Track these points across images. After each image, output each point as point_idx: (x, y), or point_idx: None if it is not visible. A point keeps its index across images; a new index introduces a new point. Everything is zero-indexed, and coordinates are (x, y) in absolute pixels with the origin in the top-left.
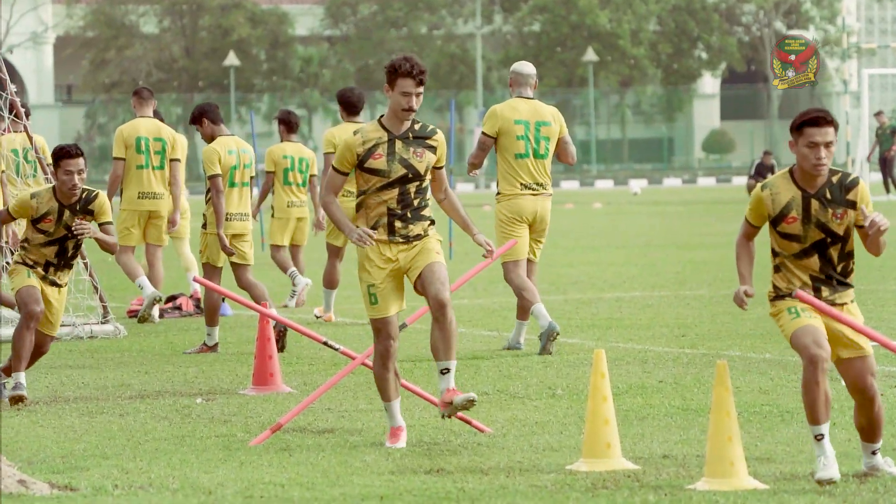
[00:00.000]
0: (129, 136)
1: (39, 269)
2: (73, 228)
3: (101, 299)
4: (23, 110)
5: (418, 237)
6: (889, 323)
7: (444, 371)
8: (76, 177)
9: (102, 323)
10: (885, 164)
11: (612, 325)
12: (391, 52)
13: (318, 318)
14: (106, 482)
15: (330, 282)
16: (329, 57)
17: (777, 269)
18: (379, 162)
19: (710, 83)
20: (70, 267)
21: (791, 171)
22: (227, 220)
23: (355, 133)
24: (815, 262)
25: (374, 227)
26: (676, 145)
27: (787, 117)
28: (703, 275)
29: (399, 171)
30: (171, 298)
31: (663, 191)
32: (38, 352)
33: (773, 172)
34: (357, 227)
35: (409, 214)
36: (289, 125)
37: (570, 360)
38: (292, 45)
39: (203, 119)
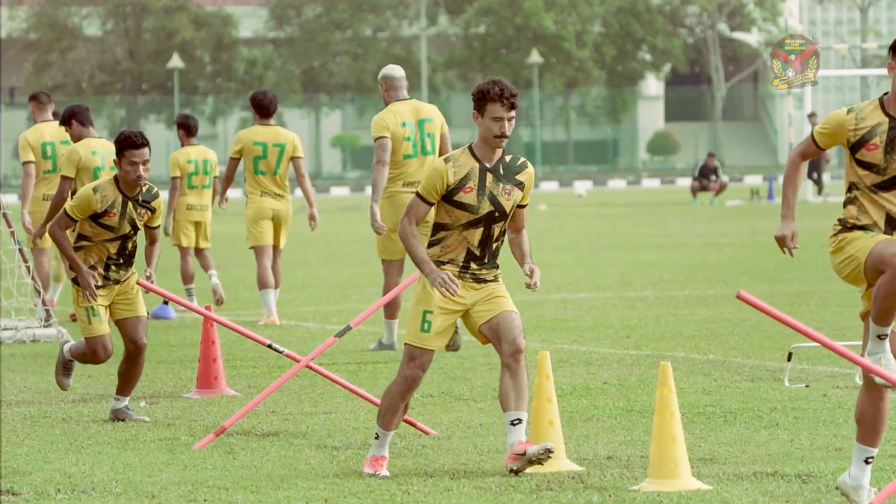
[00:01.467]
0: (35, 141)
1: (100, 270)
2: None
3: (44, 302)
4: None
5: (487, 282)
6: (833, 323)
7: (516, 422)
8: (141, 168)
9: (45, 327)
10: (813, 166)
11: (558, 327)
12: (335, 53)
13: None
14: (48, 486)
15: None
16: (274, 59)
17: (851, 202)
18: (469, 196)
19: (654, 85)
20: (131, 264)
21: (882, 99)
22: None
23: (447, 160)
24: (893, 197)
25: (447, 263)
26: (621, 147)
27: (731, 119)
28: (648, 276)
29: (487, 207)
30: None
31: (608, 192)
32: (135, 363)
33: (716, 174)
34: (441, 270)
35: (486, 259)
36: (188, 129)
37: None
38: (236, 47)
39: (72, 121)
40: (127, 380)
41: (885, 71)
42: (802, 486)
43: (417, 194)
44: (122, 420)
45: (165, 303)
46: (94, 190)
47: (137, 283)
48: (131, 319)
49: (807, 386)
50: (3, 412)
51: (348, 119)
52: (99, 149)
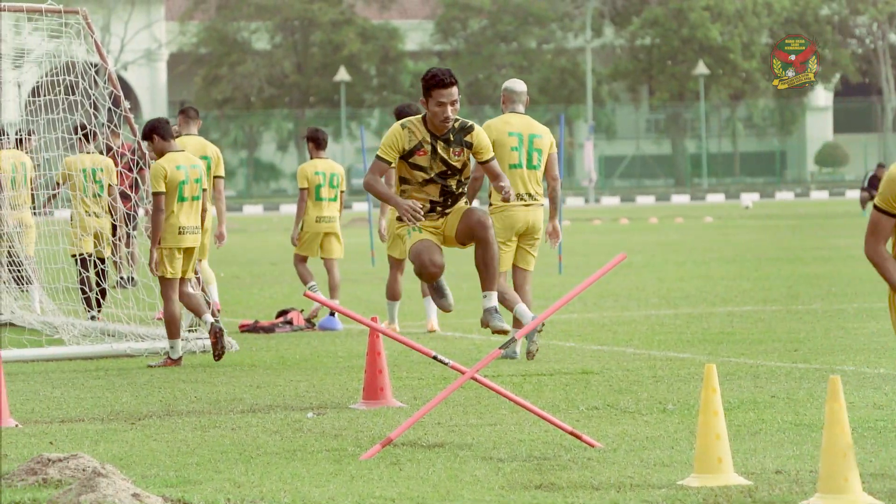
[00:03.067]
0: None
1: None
2: (408, 213)
3: (214, 314)
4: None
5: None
6: None
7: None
8: (448, 108)
9: None
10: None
11: (724, 340)
12: (501, 66)
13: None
14: (219, 496)
15: (392, 294)
16: None
17: None
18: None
19: (822, 96)
20: (460, 198)
21: None
22: (179, 233)
23: (403, 126)
24: None
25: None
26: (789, 158)
27: None
28: (816, 289)
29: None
30: (283, 313)
31: (775, 204)
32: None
33: None
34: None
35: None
36: (317, 142)
37: (682, 375)
38: (402, 59)
39: (153, 136)
40: (483, 268)
41: None
42: None
43: (377, 157)
44: (488, 326)
45: (332, 314)
46: (403, 126)
47: (304, 295)
48: (464, 214)
49: None
50: (173, 422)
51: None
52: (182, 162)
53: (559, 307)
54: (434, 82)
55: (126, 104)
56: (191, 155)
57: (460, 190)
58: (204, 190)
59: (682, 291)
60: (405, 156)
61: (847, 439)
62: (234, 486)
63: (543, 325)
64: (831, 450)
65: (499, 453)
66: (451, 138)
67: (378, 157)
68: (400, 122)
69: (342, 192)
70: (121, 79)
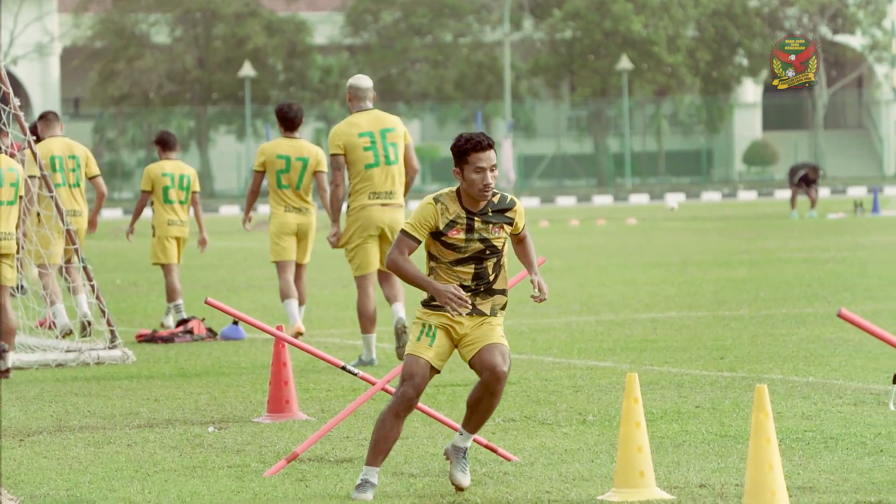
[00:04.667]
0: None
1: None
2: (451, 301)
3: (109, 323)
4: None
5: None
6: None
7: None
8: (489, 175)
9: (110, 348)
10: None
11: (647, 348)
12: (415, 61)
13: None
14: None
15: (367, 321)
16: (349, 66)
17: None
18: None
19: (751, 92)
20: (498, 292)
21: None
22: None
23: (436, 201)
24: None
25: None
26: (716, 157)
27: (834, 127)
28: (743, 294)
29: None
30: (183, 322)
31: (702, 205)
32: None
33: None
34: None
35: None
36: (164, 144)
37: (602, 385)
38: (311, 54)
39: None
40: (477, 411)
41: None
42: None
43: (403, 231)
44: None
45: (235, 323)
46: (436, 201)
47: (206, 302)
48: (488, 346)
49: None
50: (65, 438)
51: (428, 129)
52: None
53: None
54: (470, 146)
55: (16, 101)
56: (182, 163)
57: (495, 276)
58: (20, 196)
59: (604, 297)
60: (437, 233)
61: (773, 451)
62: None
63: (406, 327)
64: (757, 462)
65: (410, 468)
66: (490, 213)
67: (405, 232)
68: (432, 196)
69: (195, 192)
70: (10, 74)
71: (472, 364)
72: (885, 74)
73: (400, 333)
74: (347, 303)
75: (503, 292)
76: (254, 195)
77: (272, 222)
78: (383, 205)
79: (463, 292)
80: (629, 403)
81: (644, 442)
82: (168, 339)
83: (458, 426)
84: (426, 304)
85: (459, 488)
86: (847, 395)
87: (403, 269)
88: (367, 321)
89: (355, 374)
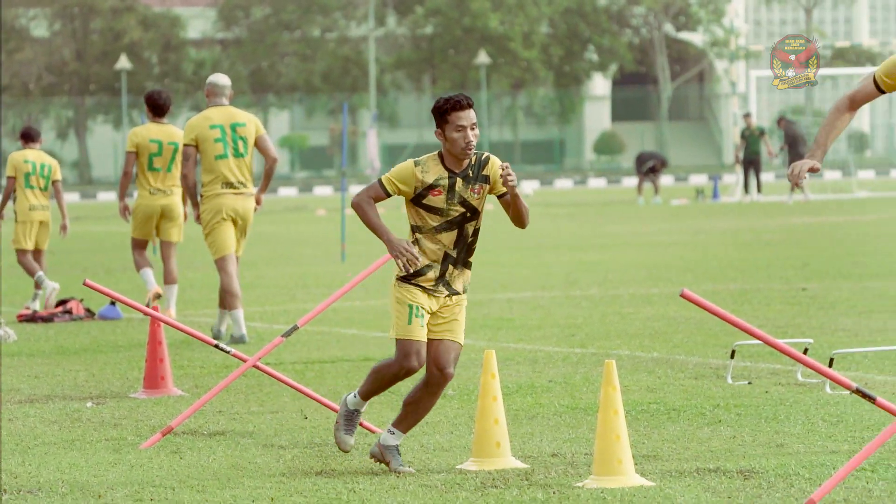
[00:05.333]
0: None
1: (430, 276)
2: (505, 179)
3: None
4: None
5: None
6: (774, 321)
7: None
8: (470, 133)
9: None
10: (749, 166)
11: (503, 326)
12: (284, 54)
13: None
14: None
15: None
16: (222, 60)
17: None
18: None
19: (601, 85)
20: (468, 265)
21: None
22: None
23: (416, 164)
24: None
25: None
26: (568, 147)
27: (677, 119)
28: (594, 275)
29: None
30: (62, 302)
31: (555, 192)
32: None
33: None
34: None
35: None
36: (27, 137)
37: (462, 361)
38: (184, 48)
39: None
40: (414, 411)
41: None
42: (744, 481)
43: (379, 179)
44: (387, 464)
45: (113, 303)
46: (416, 164)
47: (84, 284)
48: (446, 343)
49: (749, 383)
50: None
51: (297, 120)
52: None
53: (342, 295)
54: (450, 105)
55: None
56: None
57: (474, 243)
58: None
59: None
60: (417, 197)
61: (620, 422)
62: (11, 477)
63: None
64: (605, 433)
65: (280, 440)
66: (471, 174)
67: (379, 181)
68: (412, 160)
69: (56, 181)
70: None
71: (427, 345)
72: (724, 69)
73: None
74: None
75: (470, 265)
76: (128, 177)
77: (137, 203)
78: (235, 193)
79: (414, 248)
80: (487, 378)
81: (500, 414)
82: (48, 319)
83: (324, 399)
84: (405, 279)
85: (397, 472)
86: (688, 369)
87: (364, 211)
88: (232, 298)
89: (228, 352)
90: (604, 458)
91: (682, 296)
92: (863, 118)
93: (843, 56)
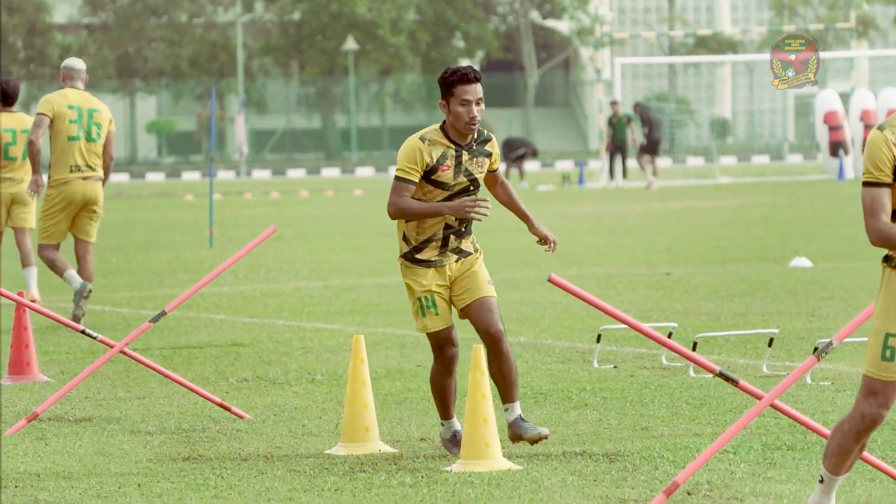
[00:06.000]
0: None
1: (432, 248)
2: (473, 207)
3: None
4: None
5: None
6: (639, 306)
7: (506, 408)
8: (475, 108)
9: None
10: (616, 152)
11: (372, 311)
12: (151, 39)
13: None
14: None
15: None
16: (88, 45)
17: None
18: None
19: None
20: (469, 230)
21: None
22: None
23: (422, 139)
24: None
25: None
26: None
27: (543, 105)
28: None
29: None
30: None
31: None
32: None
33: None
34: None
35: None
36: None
37: (331, 346)
38: (50, 32)
39: None
40: (499, 380)
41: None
42: (610, 464)
43: (397, 178)
44: (525, 439)
45: None
46: (422, 139)
47: None
48: (478, 302)
49: (615, 367)
50: None
51: (164, 104)
52: None
53: (210, 280)
54: (455, 78)
55: None
56: None
57: None
58: None
59: (332, 263)
60: (426, 174)
61: (488, 406)
62: None
63: (91, 290)
64: (473, 417)
65: (147, 426)
66: (475, 148)
67: (399, 178)
68: (416, 135)
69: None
70: None
71: (465, 315)
72: (589, 57)
73: (81, 297)
74: None
75: (470, 230)
76: None
77: None
78: (84, 178)
79: (473, 198)
80: (356, 363)
81: (369, 399)
82: None
83: (191, 385)
84: (408, 258)
85: (540, 438)
86: (555, 353)
87: (409, 208)
88: (60, 263)
89: (94, 338)
90: (472, 442)
91: (550, 280)
92: (724, 105)
93: (705, 44)
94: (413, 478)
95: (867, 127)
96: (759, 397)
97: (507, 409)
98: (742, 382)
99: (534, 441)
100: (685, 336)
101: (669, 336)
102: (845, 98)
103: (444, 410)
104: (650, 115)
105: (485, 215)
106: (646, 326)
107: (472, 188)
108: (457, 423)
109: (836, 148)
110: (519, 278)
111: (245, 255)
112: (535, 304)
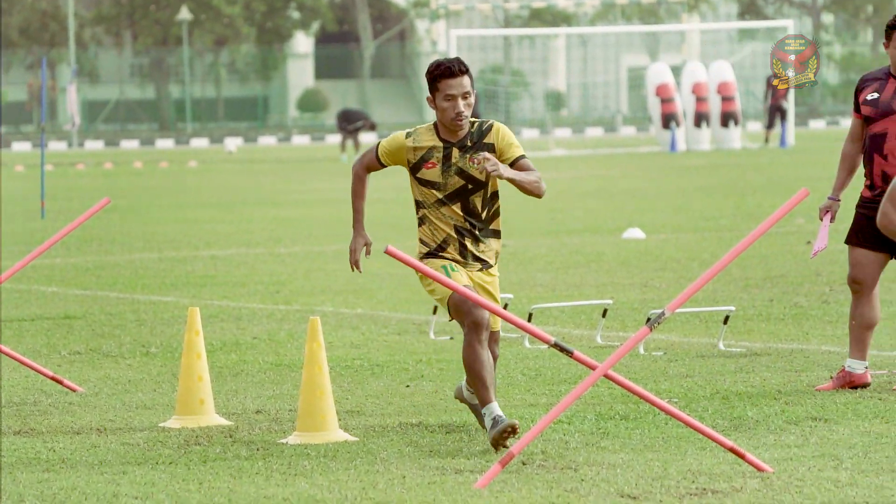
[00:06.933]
0: None
1: (452, 251)
2: (475, 164)
3: None
4: None
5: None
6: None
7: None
8: (460, 102)
9: None
10: None
11: (207, 283)
12: None
13: None
14: None
15: None
16: None
17: None
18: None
19: (303, 43)
20: (494, 234)
21: None
22: None
23: (407, 135)
24: None
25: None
26: (271, 104)
27: (380, 77)
28: (298, 232)
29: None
30: None
31: (258, 149)
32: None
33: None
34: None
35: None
36: None
37: (165, 318)
38: None
39: None
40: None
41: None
42: (446, 435)
43: (377, 145)
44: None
45: None
46: (407, 135)
47: None
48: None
49: (451, 338)
50: None
51: None
52: None
53: (41, 252)
54: (439, 72)
55: None
56: None
57: (491, 212)
58: None
59: (167, 235)
60: (412, 170)
61: (325, 378)
62: None
63: None
64: (309, 389)
65: None
66: (469, 143)
67: (376, 147)
68: (405, 131)
69: None
70: None
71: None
72: (425, 29)
73: None
74: None
75: (498, 234)
76: None
77: None
78: None
79: (358, 260)
80: (191, 336)
81: (204, 372)
82: None
83: (22, 358)
84: (431, 255)
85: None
86: (392, 325)
87: (353, 186)
88: None
89: None
90: (308, 414)
91: (387, 252)
92: (559, 77)
93: (540, 17)
94: (248, 450)
95: (699, 100)
96: (592, 367)
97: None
98: (576, 353)
99: (500, 434)
100: (521, 307)
101: (505, 307)
102: (677, 71)
103: (484, 390)
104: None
105: (359, 271)
106: (481, 298)
107: (470, 187)
108: (497, 408)
109: (668, 120)
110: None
111: (77, 227)
112: (372, 275)
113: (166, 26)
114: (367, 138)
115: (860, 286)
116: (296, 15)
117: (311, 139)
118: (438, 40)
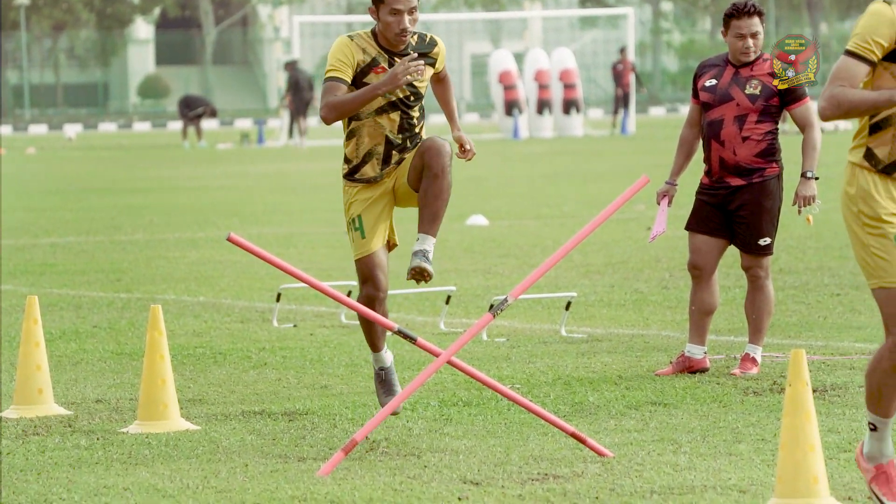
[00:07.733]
0: None
1: (371, 168)
2: (408, 70)
3: None
4: None
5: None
6: (319, 264)
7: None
8: (406, 18)
9: None
10: (298, 114)
11: (46, 271)
12: None
13: None
14: None
15: None
16: None
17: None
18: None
19: (143, 28)
20: (416, 145)
21: None
22: None
23: (350, 38)
24: None
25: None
26: (111, 90)
27: (222, 63)
28: (138, 220)
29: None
30: None
31: (98, 136)
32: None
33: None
34: (396, 67)
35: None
36: None
37: (3, 307)
38: None
39: None
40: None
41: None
42: (289, 423)
43: (327, 79)
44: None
45: None
46: (351, 38)
47: None
48: (421, 149)
49: (295, 326)
50: None
51: None
52: None
53: None
54: None
55: None
56: None
57: (420, 126)
58: None
59: (5, 223)
60: (357, 77)
61: (166, 367)
62: None
63: None
64: (151, 377)
65: None
66: (411, 54)
67: (328, 79)
68: (345, 35)
69: None
70: None
71: (411, 180)
72: (268, 15)
73: None
74: None
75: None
76: None
77: None
78: None
79: (402, 62)
80: (29, 325)
81: (43, 361)
82: None
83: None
84: (348, 177)
85: (423, 273)
86: (235, 313)
87: (341, 101)
88: None
89: None
90: (149, 403)
91: (229, 239)
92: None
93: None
94: (88, 440)
95: (541, 87)
96: (436, 354)
97: (418, 238)
98: (420, 340)
99: (416, 274)
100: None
101: (349, 295)
102: (519, 58)
103: (371, 343)
104: (299, 75)
105: (420, 73)
106: (325, 285)
107: (412, 98)
108: (386, 357)
109: (511, 107)
110: (198, 237)
111: None
112: (214, 263)
113: (3, 11)
114: (209, 125)
115: (700, 272)
116: (136, 0)
117: (152, 126)
118: (281, 26)
